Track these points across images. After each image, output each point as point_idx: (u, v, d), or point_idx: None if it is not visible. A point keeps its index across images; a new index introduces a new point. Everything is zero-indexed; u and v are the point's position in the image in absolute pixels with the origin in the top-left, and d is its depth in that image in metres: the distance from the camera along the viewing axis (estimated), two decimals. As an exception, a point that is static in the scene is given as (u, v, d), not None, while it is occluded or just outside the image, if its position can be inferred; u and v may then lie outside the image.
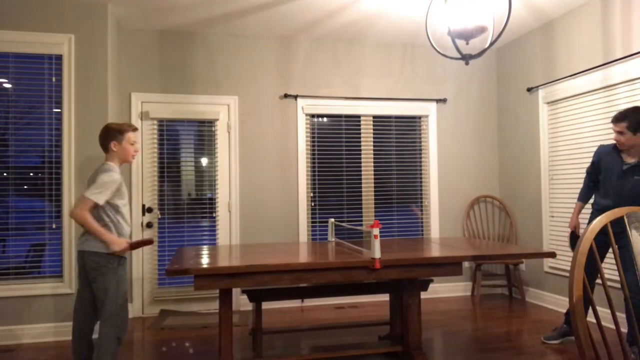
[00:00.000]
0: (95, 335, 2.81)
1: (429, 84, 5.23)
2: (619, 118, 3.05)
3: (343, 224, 3.82)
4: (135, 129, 2.92)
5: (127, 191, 4.38)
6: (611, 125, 3.18)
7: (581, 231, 3.25)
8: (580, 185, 3.96)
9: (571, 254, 4.02)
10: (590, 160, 3.42)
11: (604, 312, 3.87)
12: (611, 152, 3.20)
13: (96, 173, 2.76)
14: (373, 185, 5.09)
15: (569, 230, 3.43)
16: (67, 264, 3.81)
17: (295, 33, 4.80)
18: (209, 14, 4.27)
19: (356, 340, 3.61)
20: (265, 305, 4.74)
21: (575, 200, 3.52)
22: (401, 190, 5.16)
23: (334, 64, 5.01)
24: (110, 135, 2.82)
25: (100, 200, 2.67)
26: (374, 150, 5.11)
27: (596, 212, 3.31)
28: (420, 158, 5.23)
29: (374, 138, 5.12)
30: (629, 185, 3.08)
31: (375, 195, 5.10)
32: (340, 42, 5.03)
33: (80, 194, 2.73)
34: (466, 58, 3.10)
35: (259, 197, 4.79)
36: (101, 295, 2.71)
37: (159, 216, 4.59)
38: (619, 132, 3.04)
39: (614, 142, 3.18)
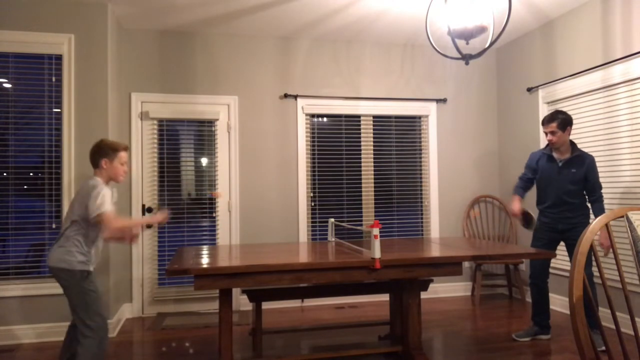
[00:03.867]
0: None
1: (429, 84, 5.23)
2: (549, 120, 3.46)
3: (343, 224, 3.81)
4: (127, 148, 2.87)
5: (127, 191, 4.37)
6: (544, 128, 3.51)
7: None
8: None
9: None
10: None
11: (603, 312, 3.87)
12: (544, 157, 3.58)
13: (86, 189, 2.68)
14: (373, 185, 5.09)
15: (516, 214, 3.60)
16: (67, 264, 3.80)
17: (295, 33, 4.80)
18: (209, 14, 4.27)
19: (356, 340, 3.61)
20: (265, 305, 4.74)
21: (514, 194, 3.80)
22: (401, 190, 5.16)
23: (334, 64, 5.01)
24: (103, 152, 2.76)
25: (110, 208, 2.63)
26: (374, 150, 5.11)
27: (542, 211, 3.63)
28: (420, 158, 5.23)
29: (374, 138, 5.12)
30: (565, 178, 3.45)
31: (375, 195, 5.09)
32: (340, 42, 5.03)
33: (94, 215, 2.62)
34: (466, 58, 3.10)
35: (259, 197, 4.79)
36: (72, 309, 2.67)
37: (159, 216, 4.59)
38: (551, 132, 3.44)
39: (544, 152, 3.58)
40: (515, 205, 3.61)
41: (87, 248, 2.71)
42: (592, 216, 3.62)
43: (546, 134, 3.49)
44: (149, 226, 4.55)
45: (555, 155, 3.52)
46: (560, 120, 3.42)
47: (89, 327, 2.63)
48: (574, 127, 4.26)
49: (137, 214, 4.52)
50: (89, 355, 2.62)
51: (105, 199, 2.63)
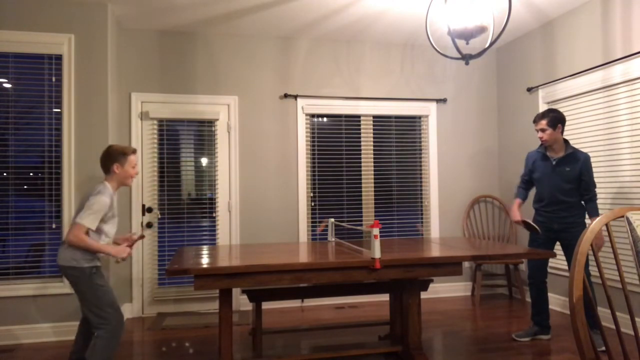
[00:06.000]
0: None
1: (429, 83, 5.23)
2: (539, 117, 3.48)
3: (343, 224, 3.81)
4: (135, 152, 2.95)
5: (127, 191, 4.36)
6: (535, 125, 3.53)
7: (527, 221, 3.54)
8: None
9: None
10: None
11: (603, 312, 3.87)
12: (540, 157, 3.59)
13: (88, 195, 2.77)
14: (373, 185, 5.09)
15: (517, 221, 3.62)
16: (67, 264, 3.80)
17: (295, 33, 4.80)
18: (209, 14, 4.27)
19: (356, 340, 3.61)
20: (265, 305, 4.74)
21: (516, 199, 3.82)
22: (401, 190, 5.16)
23: (334, 64, 5.01)
24: (114, 157, 2.84)
25: (93, 225, 2.69)
26: (374, 150, 5.11)
27: (537, 210, 3.63)
28: (420, 158, 5.23)
29: (374, 138, 5.12)
30: (559, 176, 3.46)
31: (375, 195, 5.09)
32: (340, 42, 5.03)
33: (73, 220, 2.73)
34: (466, 58, 3.10)
35: (259, 197, 4.79)
36: (85, 304, 2.75)
37: (159, 216, 4.59)
38: (541, 130, 3.46)
39: (539, 151, 3.59)
40: (515, 214, 3.63)
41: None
42: (587, 215, 3.62)
43: (537, 131, 3.51)
44: (149, 225, 4.55)
45: (548, 153, 3.53)
46: (551, 118, 3.42)
47: (102, 318, 2.71)
48: (574, 127, 4.27)
49: (137, 214, 4.51)
50: (103, 345, 2.70)
51: (96, 211, 2.69)
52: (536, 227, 3.42)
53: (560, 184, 3.45)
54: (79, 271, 2.70)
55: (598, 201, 3.94)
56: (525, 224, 3.48)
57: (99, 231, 2.77)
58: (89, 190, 2.82)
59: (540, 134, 3.48)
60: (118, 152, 2.85)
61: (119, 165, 2.84)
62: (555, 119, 3.43)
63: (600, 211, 3.93)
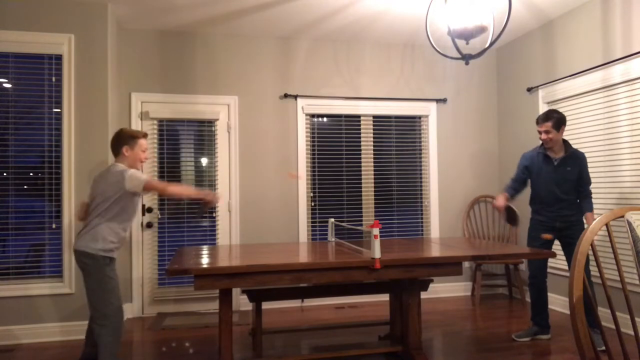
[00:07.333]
0: None
1: (429, 84, 5.23)
2: (544, 119, 3.46)
3: (343, 224, 3.81)
4: (146, 135, 2.98)
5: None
6: (538, 127, 3.51)
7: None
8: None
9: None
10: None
11: (603, 312, 3.88)
12: (540, 157, 3.57)
13: (114, 174, 2.76)
14: (373, 185, 5.09)
15: (500, 207, 3.58)
16: (67, 264, 3.80)
17: (295, 33, 4.80)
18: (209, 14, 4.27)
19: (356, 340, 3.61)
20: (265, 305, 4.74)
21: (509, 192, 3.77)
22: (401, 190, 5.16)
23: (334, 64, 5.01)
24: (123, 139, 2.89)
25: (145, 176, 2.76)
26: (374, 150, 5.11)
27: (538, 210, 3.61)
28: (420, 158, 5.23)
29: (374, 138, 5.12)
30: (561, 176, 3.48)
31: (375, 195, 5.09)
32: (340, 42, 5.03)
33: (135, 184, 2.72)
34: (466, 58, 3.10)
35: (259, 197, 4.79)
36: (90, 295, 2.75)
37: (159, 216, 4.59)
38: (546, 132, 3.45)
39: (539, 152, 3.57)
40: (500, 201, 3.59)
41: (112, 234, 2.80)
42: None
43: (540, 132, 3.50)
44: (149, 225, 4.55)
45: (549, 154, 3.54)
46: (555, 120, 3.43)
47: (104, 314, 2.71)
48: (574, 127, 4.27)
49: (137, 214, 4.51)
50: (108, 344, 2.71)
51: (139, 174, 2.77)
52: (518, 215, 3.45)
53: (562, 183, 3.48)
54: (92, 259, 2.70)
55: (598, 201, 3.96)
56: (508, 211, 3.51)
57: (119, 213, 2.79)
58: (107, 172, 2.81)
59: (544, 136, 3.47)
60: (128, 135, 2.90)
61: (128, 147, 2.88)
62: (559, 120, 3.45)
63: (600, 211, 3.94)
